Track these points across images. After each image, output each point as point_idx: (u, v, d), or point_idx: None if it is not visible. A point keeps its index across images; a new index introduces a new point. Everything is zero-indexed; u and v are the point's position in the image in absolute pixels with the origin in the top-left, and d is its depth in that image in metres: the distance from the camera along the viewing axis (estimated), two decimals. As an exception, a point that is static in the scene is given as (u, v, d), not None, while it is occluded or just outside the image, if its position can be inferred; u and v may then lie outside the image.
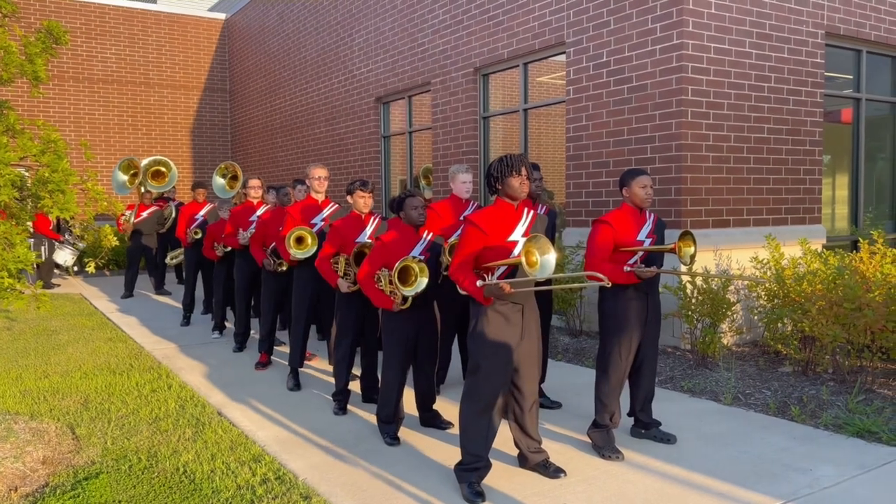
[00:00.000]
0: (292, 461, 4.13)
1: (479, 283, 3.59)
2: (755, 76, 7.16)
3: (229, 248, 7.35)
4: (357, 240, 5.04)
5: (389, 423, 4.47)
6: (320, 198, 5.88)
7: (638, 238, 4.14)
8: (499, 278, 3.61)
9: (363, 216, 5.13)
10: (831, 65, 8.01)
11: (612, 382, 4.18)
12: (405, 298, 4.34)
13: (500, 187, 3.66)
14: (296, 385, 5.73)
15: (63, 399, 5.47)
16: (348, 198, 5.13)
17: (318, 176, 5.79)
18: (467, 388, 3.70)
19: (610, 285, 3.56)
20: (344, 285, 5.00)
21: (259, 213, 6.84)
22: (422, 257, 4.40)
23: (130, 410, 5.15)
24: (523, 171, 3.61)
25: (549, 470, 3.85)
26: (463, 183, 5.26)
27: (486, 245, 3.61)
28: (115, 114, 16.48)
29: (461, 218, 5.17)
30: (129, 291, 11.08)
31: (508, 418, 3.90)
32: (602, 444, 4.16)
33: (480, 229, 3.59)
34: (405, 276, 4.28)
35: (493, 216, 3.66)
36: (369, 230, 5.11)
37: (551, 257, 3.42)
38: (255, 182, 6.97)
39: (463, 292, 3.70)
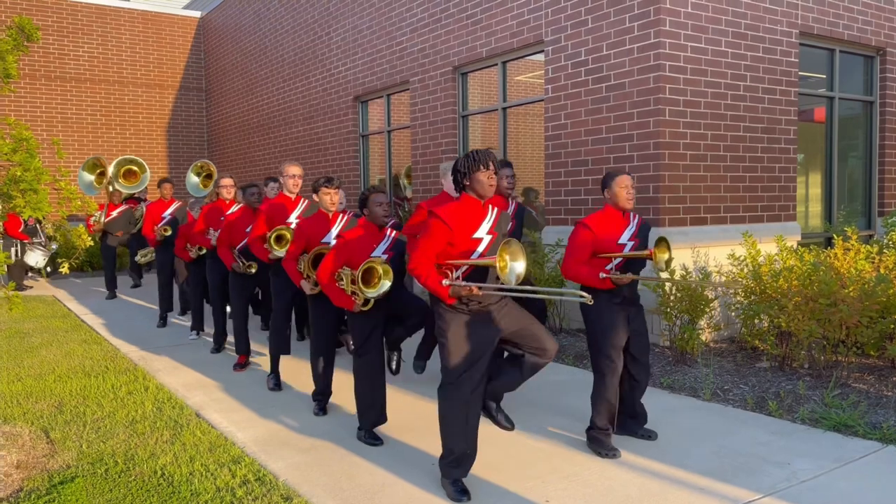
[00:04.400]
0: (272, 462, 4.09)
1: (444, 282, 3.52)
2: (731, 75, 7.23)
3: (204, 250, 7.24)
4: (323, 240, 4.93)
5: (367, 419, 4.41)
6: (293, 196, 5.80)
7: (620, 241, 4.11)
8: (462, 274, 3.57)
9: (330, 215, 5.02)
10: (805, 64, 8.12)
11: (609, 385, 4.12)
12: (367, 300, 4.26)
13: (467, 183, 3.59)
14: (276, 385, 5.68)
15: (37, 402, 5.37)
16: (314, 196, 5.02)
17: (293, 174, 5.70)
18: (442, 384, 3.66)
19: (592, 303, 3.43)
20: (307, 287, 4.90)
21: (229, 212, 6.70)
22: (385, 256, 4.32)
23: (106, 413, 5.07)
24: (491, 167, 3.55)
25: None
26: None
27: (449, 240, 3.53)
28: (89, 113, 16.22)
29: None
30: (112, 292, 10.93)
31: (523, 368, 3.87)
32: (599, 443, 4.14)
33: (445, 224, 3.51)
34: (368, 277, 4.17)
35: (458, 211, 3.58)
36: (335, 230, 4.98)
37: (518, 266, 3.41)
38: (227, 181, 6.84)
39: (423, 287, 3.62)
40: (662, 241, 4.10)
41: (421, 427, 4.64)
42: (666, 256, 4.10)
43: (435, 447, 4.18)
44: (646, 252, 4.09)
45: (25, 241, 11.44)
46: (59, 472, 3.98)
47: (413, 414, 4.95)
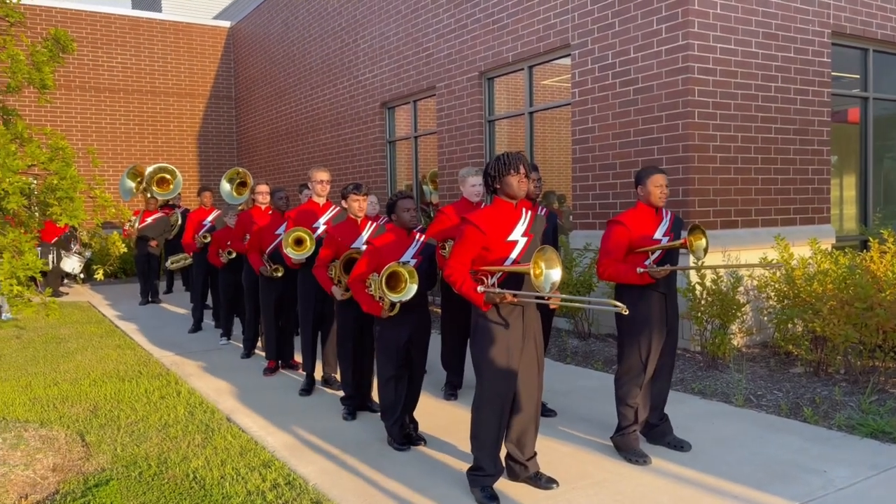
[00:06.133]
0: (302, 466, 4.12)
1: (480, 288, 3.50)
2: (762, 76, 7.13)
3: (234, 255, 7.34)
4: (353, 245, 4.96)
5: (394, 424, 4.41)
6: (321, 201, 5.84)
7: (655, 237, 4.08)
8: (497, 280, 3.55)
9: (359, 221, 5.06)
10: (838, 64, 7.98)
11: (633, 385, 4.10)
12: (393, 305, 4.25)
13: (498, 186, 3.59)
14: (306, 390, 5.72)
15: (72, 406, 5.47)
16: (343, 202, 5.07)
17: (321, 179, 5.75)
18: (476, 395, 3.67)
19: (627, 313, 3.31)
20: (338, 292, 4.95)
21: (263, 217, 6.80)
22: (413, 261, 4.33)
23: (140, 417, 5.15)
24: (521, 170, 3.54)
25: (541, 481, 3.74)
26: (472, 186, 5.21)
27: (484, 245, 3.53)
28: (122, 122, 16.54)
29: None
30: (144, 298, 11.12)
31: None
32: (627, 448, 4.10)
33: (479, 229, 3.51)
34: (394, 282, 4.17)
35: (491, 216, 3.58)
36: (365, 235, 5.01)
37: (554, 273, 3.40)
38: (262, 188, 6.94)
39: (459, 293, 3.61)
40: (697, 228, 4.04)
41: (451, 431, 4.64)
42: (703, 243, 4.03)
43: (464, 451, 4.18)
44: (679, 241, 4.04)
45: (66, 231, 11.62)
46: (94, 475, 4.05)
47: (445, 418, 4.95)
